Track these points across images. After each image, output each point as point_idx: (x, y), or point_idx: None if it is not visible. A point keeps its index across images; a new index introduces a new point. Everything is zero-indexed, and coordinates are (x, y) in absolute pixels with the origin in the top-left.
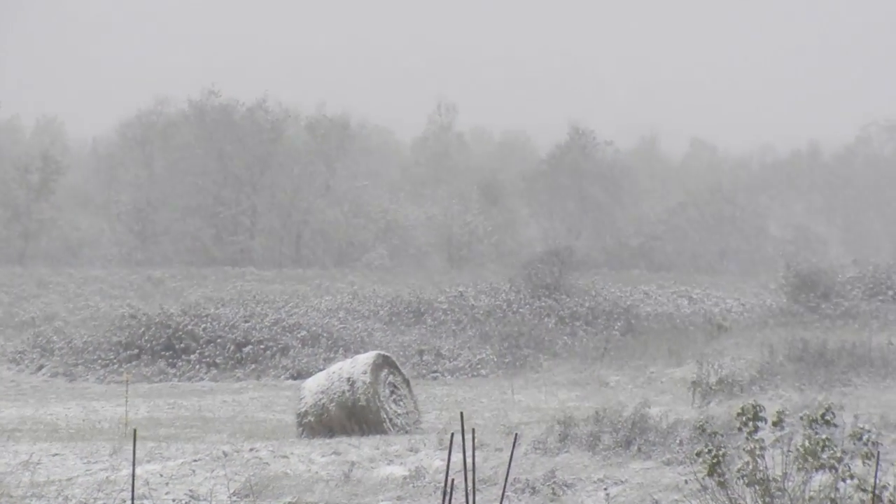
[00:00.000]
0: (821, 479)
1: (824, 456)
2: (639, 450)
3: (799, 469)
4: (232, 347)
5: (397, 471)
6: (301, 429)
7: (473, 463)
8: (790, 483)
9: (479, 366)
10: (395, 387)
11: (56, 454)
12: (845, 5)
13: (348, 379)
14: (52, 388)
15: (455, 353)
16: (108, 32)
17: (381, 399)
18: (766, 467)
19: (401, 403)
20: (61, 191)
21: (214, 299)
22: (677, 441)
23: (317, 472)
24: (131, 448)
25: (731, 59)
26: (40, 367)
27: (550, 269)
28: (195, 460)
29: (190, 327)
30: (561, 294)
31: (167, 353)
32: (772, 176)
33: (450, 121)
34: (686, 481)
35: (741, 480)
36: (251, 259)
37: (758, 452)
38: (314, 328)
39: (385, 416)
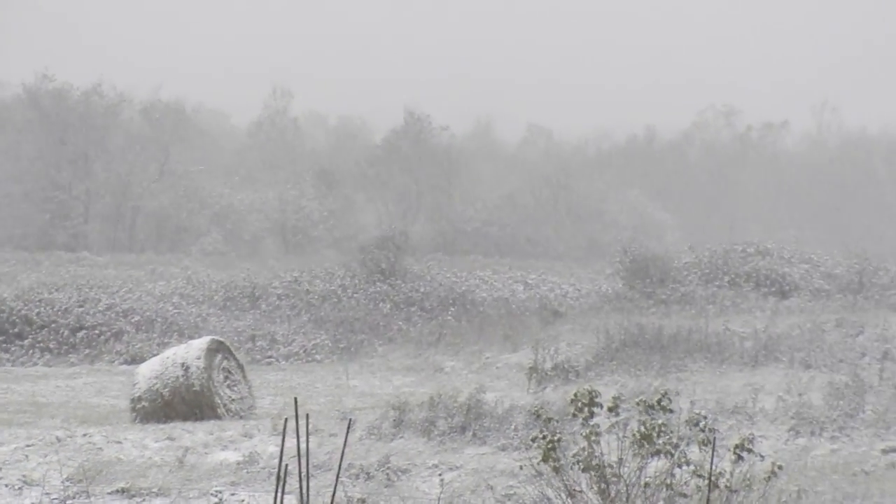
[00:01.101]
0: (657, 465)
1: (660, 442)
2: (474, 435)
3: (635, 455)
4: (66, 332)
5: (231, 456)
6: (135, 414)
7: (307, 448)
8: (626, 469)
9: (313, 351)
10: (229, 372)
11: None
12: None
13: (182, 364)
14: None
15: (290, 338)
16: None
17: (216, 384)
18: (601, 453)
19: (235, 389)
20: None
21: (48, 284)
22: (512, 427)
23: (150, 458)
24: None
25: (569, 45)
26: None
27: (386, 254)
28: (28, 445)
29: (23, 312)
30: (396, 279)
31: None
32: (609, 161)
33: (285, 105)
34: (521, 467)
35: (577, 466)
36: (85, 244)
37: (593, 438)
38: (148, 313)
39: (219, 401)
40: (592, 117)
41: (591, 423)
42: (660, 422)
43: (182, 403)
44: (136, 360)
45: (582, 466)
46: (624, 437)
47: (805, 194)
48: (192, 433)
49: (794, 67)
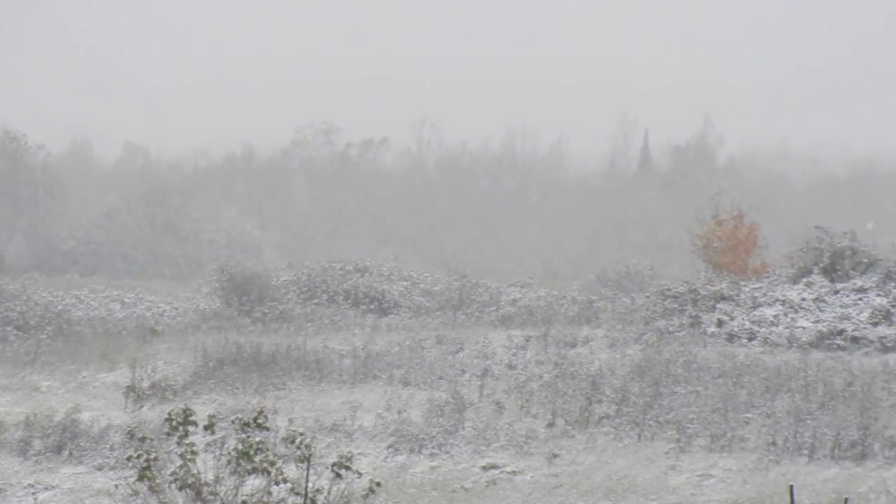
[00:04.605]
0: (254, 483)
1: (257, 459)
2: (70, 455)
3: (232, 473)
4: None
5: None
6: None
7: None
8: (223, 487)
9: None
10: None
11: None
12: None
13: None
14: None
15: None
16: None
17: None
18: (198, 471)
19: None
20: None
21: None
22: (109, 446)
23: None
24: None
25: (165, 57)
26: None
27: None
28: None
29: None
30: None
31: None
32: (207, 179)
33: None
34: (117, 486)
35: (173, 485)
36: None
37: (189, 457)
38: None
39: None
40: (192, 134)
41: (187, 442)
42: (257, 440)
43: None
44: None
45: (179, 485)
46: (221, 455)
47: (405, 211)
48: None
49: (395, 84)
